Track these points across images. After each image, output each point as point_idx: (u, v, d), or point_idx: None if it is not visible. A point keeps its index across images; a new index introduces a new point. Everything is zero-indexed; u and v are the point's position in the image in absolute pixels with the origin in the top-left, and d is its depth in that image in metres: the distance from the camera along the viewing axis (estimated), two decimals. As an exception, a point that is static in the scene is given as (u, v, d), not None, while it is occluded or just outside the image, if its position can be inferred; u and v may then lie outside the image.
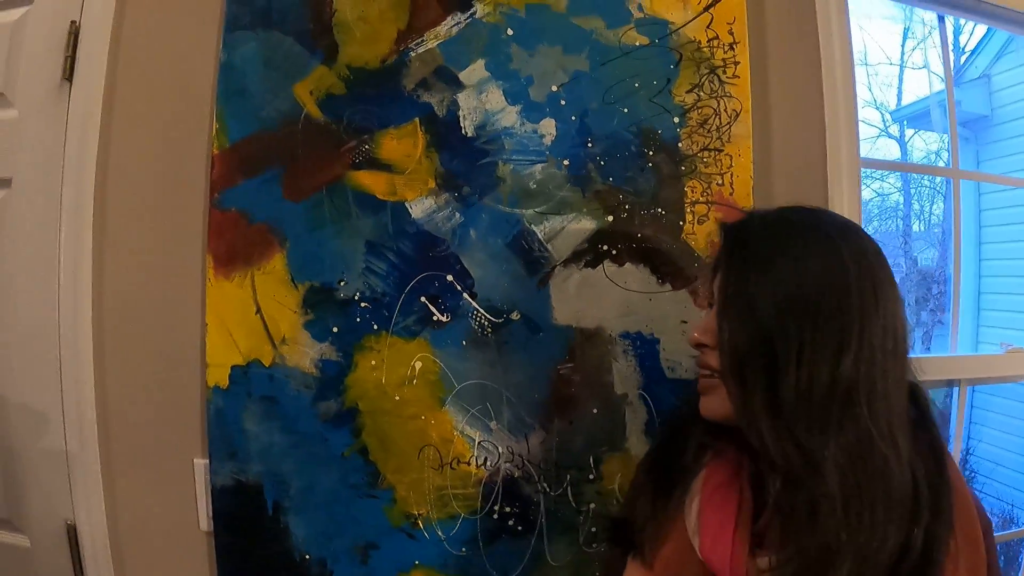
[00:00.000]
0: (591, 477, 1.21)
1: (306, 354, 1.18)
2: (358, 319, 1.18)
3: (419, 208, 1.19)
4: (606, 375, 1.21)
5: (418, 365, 1.19)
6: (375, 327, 1.18)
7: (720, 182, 1.23)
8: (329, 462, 1.18)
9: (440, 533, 1.20)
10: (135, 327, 1.23)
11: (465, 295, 1.19)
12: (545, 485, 1.21)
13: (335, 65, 1.20)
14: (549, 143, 1.21)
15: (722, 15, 1.24)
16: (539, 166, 1.21)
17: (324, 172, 1.19)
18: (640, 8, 1.23)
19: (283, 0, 1.20)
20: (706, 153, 1.23)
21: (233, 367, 1.18)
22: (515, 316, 1.20)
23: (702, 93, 1.23)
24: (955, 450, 1.82)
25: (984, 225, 3.10)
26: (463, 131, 1.20)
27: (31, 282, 1.25)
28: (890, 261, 0.80)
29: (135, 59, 1.24)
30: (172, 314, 1.22)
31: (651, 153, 1.22)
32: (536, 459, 1.21)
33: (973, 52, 3.96)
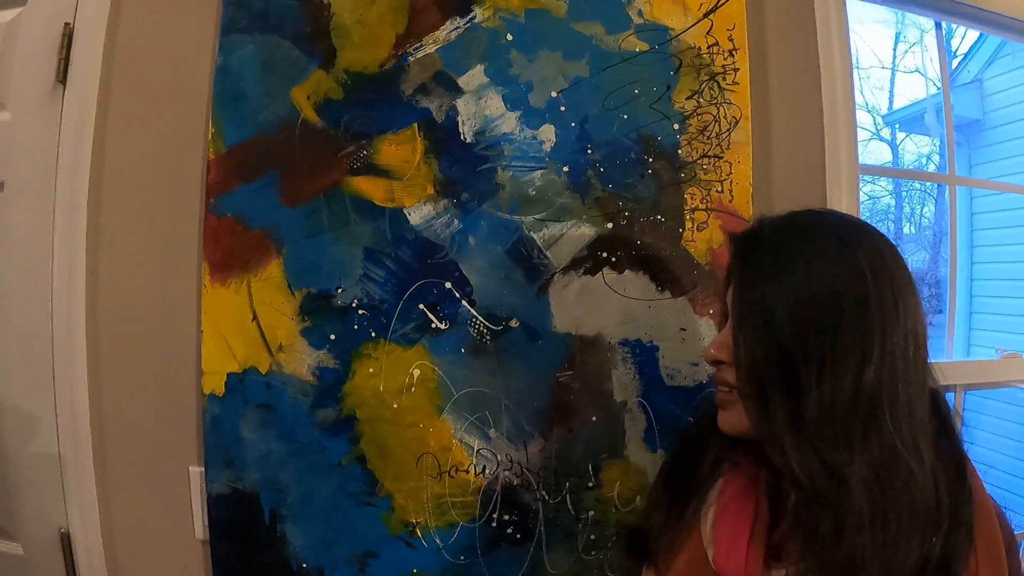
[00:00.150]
0: (590, 485, 1.21)
1: (303, 361, 1.17)
2: (356, 326, 1.17)
3: (417, 215, 1.18)
4: (605, 383, 1.21)
5: (416, 373, 1.18)
6: (373, 334, 1.18)
7: (720, 189, 1.23)
8: (327, 470, 1.17)
9: (438, 541, 1.19)
10: (130, 333, 1.22)
11: (464, 302, 1.19)
12: (544, 493, 1.20)
13: (333, 69, 1.19)
14: (549, 149, 1.20)
15: (722, 21, 1.24)
16: (539, 172, 1.20)
17: (321, 178, 1.18)
18: (640, 14, 1.22)
19: (280, 3, 1.19)
20: (706, 160, 1.23)
21: (229, 375, 1.17)
22: (514, 323, 1.19)
23: (702, 100, 1.23)
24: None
25: (976, 229, 3.13)
26: (462, 137, 1.19)
27: (24, 289, 1.23)
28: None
29: (130, 61, 1.23)
30: (167, 320, 1.21)
31: (651, 160, 1.22)
32: (535, 467, 1.20)
33: (965, 56, 3.98)
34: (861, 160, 1.34)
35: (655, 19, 1.23)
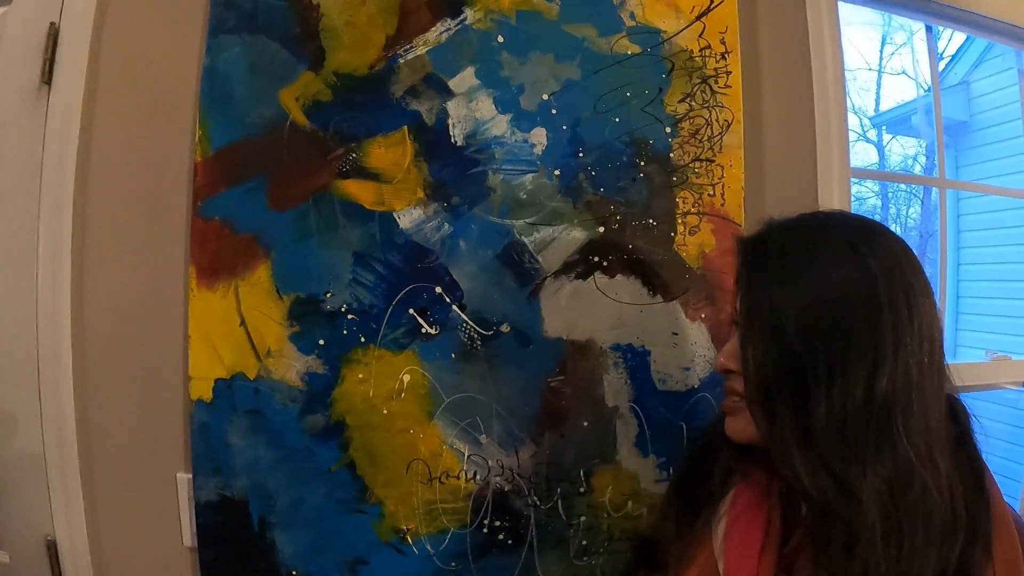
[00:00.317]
0: (582, 490, 1.20)
1: (292, 367, 1.16)
2: (345, 331, 1.16)
3: (407, 218, 1.17)
4: (597, 388, 1.20)
5: (406, 378, 1.17)
6: (362, 339, 1.16)
7: (712, 193, 1.23)
8: (316, 477, 1.16)
9: (429, 548, 1.18)
10: (116, 339, 1.20)
11: (454, 307, 1.18)
12: (535, 498, 1.20)
13: (322, 71, 1.17)
14: (540, 152, 1.19)
15: (714, 24, 1.24)
16: (530, 176, 1.19)
17: (310, 181, 1.17)
18: (632, 16, 1.22)
19: (269, 4, 1.17)
20: (698, 164, 1.22)
21: (217, 380, 1.15)
22: (505, 328, 1.18)
23: (694, 103, 1.23)
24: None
25: (963, 230, 3.15)
26: (452, 140, 1.18)
27: (8, 292, 1.21)
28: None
29: (116, 62, 1.21)
30: (154, 325, 1.19)
31: (643, 163, 1.21)
32: (526, 472, 1.19)
33: (952, 59, 4.01)
34: (858, 167, 1.34)
35: (647, 21, 1.22)
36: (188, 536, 1.20)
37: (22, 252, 1.20)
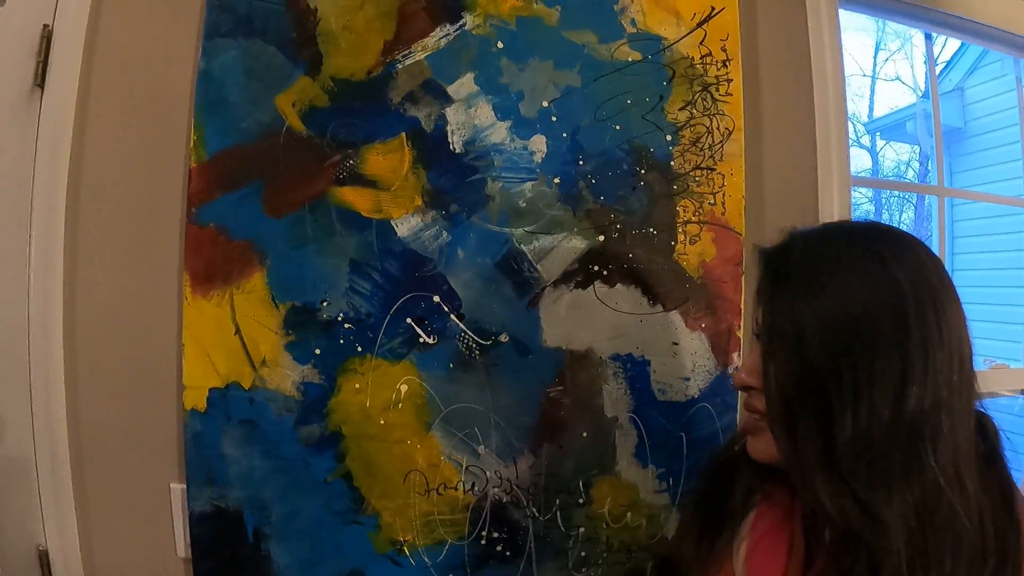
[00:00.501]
0: (581, 501, 1.19)
1: (288, 376, 1.14)
2: (342, 341, 1.15)
3: (405, 226, 1.16)
4: (596, 398, 1.19)
5: (404, 388, 1.16)
6: (359, 349, 1.15)
7: (712, 201, 1.22)
8: (312, 488, 1.15)
9: (427, 559, 1.17)
10: (108, 347, 1.18)
11: (452, 316, 1.16)
12: (534, 510, 1.19)
13: (319, 76, 1.16)
14: (540, 160, 1.18)
15: (715, 32, 1.23)
16: (529, 184, 1.18)
17: (306, 187, 1.15)
18: (633, 23, 1.20)
19: (265, 7, 1.16)
20: (698, 172, 1.21)
21: (211, 390, 1.14)
22: (504, 338, 1.17)
23: (695, 111, 1.22)
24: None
25: (957, 236, 3.15)
26: (451, 147, 1.17)
27: (-1, 300, 1.19)
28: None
29: (110, 65, 1.19)
30: (147, 333, 1.18)
31: (643, 171, 1.20)
32: (525, 483, 1.18)
33: (947, 65, 4.02)
34: (858, 176, 1.34)
35: (648, 28, 1.21)
36: (182, 547, 1.18)
37: (13, 258, 1.18)
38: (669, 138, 1.21)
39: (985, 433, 0.73)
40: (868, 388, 0.65)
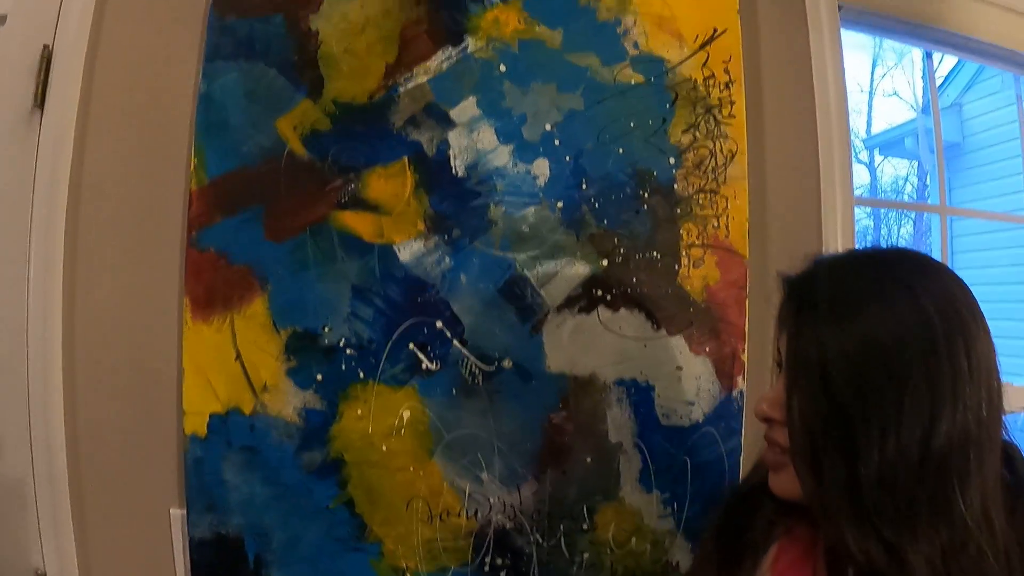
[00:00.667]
0: (584, 527, 1.18)
1: (289, 402, 1.13)
2: (343, 367, 1.14)
3: (407, 251, 1.15)
4: (600, 423, 1.18)
5: (406, 415, 1.15)
6: (361, 375, 1.14)
7: (716, 224, 1.21)
8: (313, 514, 1.14)
9: (429, 587, 1.16)
10: (108, 372, 1.17)
11: (455, 342, 1.16)
12: (538, 536, 1.18)
13: (320, 100, 1.15)
14: (542, 184, 1.18)
15: (718, 53, 1.22)
16: (532, 208, 1.17)
17: (308, 212, 1.14)
18: (636, 46, 1.20)
19: (267, 30, 1.15)
20: (702, 195, 1.21)
21: (212, 415, 1.13)
22: (507, 364, 1.16)
23: (698, 133, 1.21)
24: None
25: (955, 252, 3.15)
26: (454, 171, 1.16)
27: (-3, 323, 1.18)
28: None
29: (110, 86, 1.18)
30: (147, 358, 1.17)
31: (646, 195, 1.19)
32: (528, 510, 1.17)
33: (945, 81, 4.03)
34: (861, 197, 1.33)
35: (651, 51, 1.21)
36: (181, 573, 1.17)
37: (12, 280, 1.17)
38: (672, 161, 1.20)
39: (1012, 464, 0.71)
40: (896, 424, 0.63)
